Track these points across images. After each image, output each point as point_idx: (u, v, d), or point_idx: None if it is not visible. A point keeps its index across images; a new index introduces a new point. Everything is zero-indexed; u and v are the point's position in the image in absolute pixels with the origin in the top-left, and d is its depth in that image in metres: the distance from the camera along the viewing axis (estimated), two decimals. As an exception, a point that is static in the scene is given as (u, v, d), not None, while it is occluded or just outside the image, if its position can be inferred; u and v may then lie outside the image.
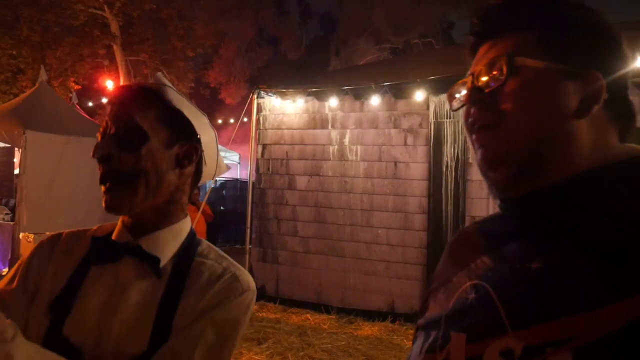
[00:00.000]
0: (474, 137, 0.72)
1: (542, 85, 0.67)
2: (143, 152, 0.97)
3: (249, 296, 1.03)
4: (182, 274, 1.00)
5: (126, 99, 1.01)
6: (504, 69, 0.68)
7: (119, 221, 1.05)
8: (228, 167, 1.24)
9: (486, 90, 0.70)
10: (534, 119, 0.66)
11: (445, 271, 0.79)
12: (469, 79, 0.73)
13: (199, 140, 1.06)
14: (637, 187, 0.62)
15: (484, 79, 0.70)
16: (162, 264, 1.00)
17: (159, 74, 1.13)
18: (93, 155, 0.94)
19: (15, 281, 1.01)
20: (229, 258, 1.09)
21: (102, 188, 0.97)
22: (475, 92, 0.71)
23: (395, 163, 6.79)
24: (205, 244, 1.08)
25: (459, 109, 0.76)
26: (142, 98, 1.02)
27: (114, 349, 0.93)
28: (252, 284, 1.06)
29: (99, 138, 0.99)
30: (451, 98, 0.78)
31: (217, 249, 1.10)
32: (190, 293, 0.98)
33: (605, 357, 0.52)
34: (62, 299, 0.97)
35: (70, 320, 0.95)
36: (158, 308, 0.96)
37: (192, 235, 1.07)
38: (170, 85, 1.07)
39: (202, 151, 1.07)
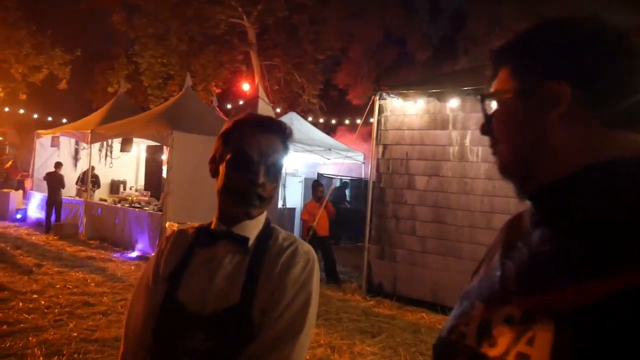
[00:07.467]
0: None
1: (512, 108, 0.83)
2: (277, 183, 1.35)
3: (310, 260, 1.33)
4: (262, 250, 1.33)
5: (275, 136, 1.34)
6: (482, 107, 0.88)
7: (214, 216, 1.38)
8: None
9: (485, 123, 0.89)
10: (511, 137, 0.83)
11: (492, 250, 0.93)
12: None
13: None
14: (618, 185, 0.72)
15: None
16: (249, 244, 1.34)
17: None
18: (249, 182, 1.28)
19: (152, 270, 1.39)
20: (294, 236, 1.40)
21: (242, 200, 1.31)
22: (482, 125, 0.90)
23: (519, 165, 6.57)
24: (278, 229, 1.41)
25: None
26: (284, 136, 1.36)
27: (213, 303, 1.26)
28: (312, 252, 1.36)
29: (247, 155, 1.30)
30: None
31: (285, 231, 1.42)
32: (268, 262, 1.31)
33: (579, 325, 0.63)
34: (175, 274, 1.33)
35: (182, 288, 1.30)
36: (246, 272, 1.30)
37: (267, 223, 1.40)
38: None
39: None
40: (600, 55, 0.76)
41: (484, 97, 0.89)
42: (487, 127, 0.88)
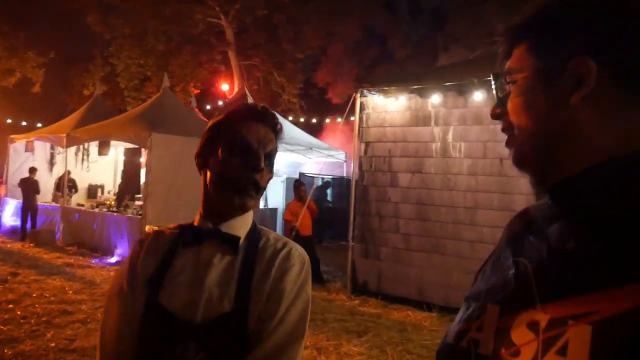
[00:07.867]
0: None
1: (530, 89, 0.73)
2: (272, 174, 1.29)
3: (305, 263, 1.29)
4: (253, 251, 1.25)
5: (269, 128, 1.28)
6: (495, 88, 0.79)
7: (198, 213, 1.30)
8: None
9: (498, 105, 0.80)
10: (529, 122, 0.73)
11: (498, 248, 0.85)
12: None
13: None
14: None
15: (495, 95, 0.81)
16: (239, 243, 1.25)
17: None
18: (250, 168, 1.21)
19: (126, 276, 1.28)
20: (284, 237, 1.33)
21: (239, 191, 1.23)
22: (494, 108, 0.81)
23: (501, 160, 6.56)
24: (265, 229, 1.33)
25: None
26: (276, 130, 1.30)
27: (205, 310, 1.17)
28: (305, 254, 1.31)
29: (249, 148, 1.24)
30: None
31: (274, 232, 1.34)
32: (262, 263, 1.23)
33: (621, 331, 0.55)
34: (155, 276, 1.23)
35: (166, 293, 1.21)
36: (239, 276, 1.21)
37: (254, 223, 1.33)
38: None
39: None
40: (625, 28, 0.67)
41: (497, 77, 0.79)
42: (500, 110, 0.79)
